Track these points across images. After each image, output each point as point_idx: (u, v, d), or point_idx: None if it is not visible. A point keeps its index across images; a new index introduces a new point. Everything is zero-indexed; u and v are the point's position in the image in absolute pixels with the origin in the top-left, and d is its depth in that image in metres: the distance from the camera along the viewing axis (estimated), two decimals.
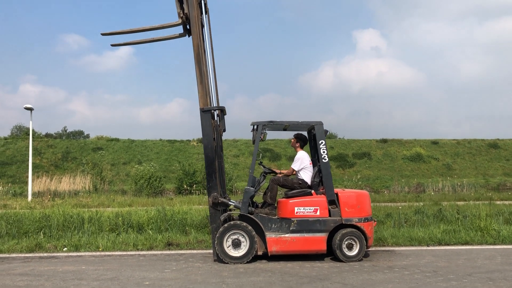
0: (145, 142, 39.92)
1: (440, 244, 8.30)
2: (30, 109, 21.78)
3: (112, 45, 7.79)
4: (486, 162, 39.88)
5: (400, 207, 12.88)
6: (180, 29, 7.68)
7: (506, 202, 14.63)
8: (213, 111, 7.35)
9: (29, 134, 43.11)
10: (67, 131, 56.98)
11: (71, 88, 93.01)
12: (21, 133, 47.95)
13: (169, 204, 15.12)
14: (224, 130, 7.59)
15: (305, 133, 7.96)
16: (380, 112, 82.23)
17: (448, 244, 8.27)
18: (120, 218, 10.47)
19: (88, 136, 54.74)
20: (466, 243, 8.30)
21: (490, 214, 10.71)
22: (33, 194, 20.86)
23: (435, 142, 42.88)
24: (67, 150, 36.96)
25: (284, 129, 7.94)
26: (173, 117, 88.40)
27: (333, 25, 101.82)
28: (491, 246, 8.07)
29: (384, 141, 43.10)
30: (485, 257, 7.05)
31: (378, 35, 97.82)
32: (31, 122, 22.37)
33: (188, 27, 7.48)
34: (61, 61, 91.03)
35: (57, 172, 31.01)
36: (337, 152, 39.78)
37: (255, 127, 7.39)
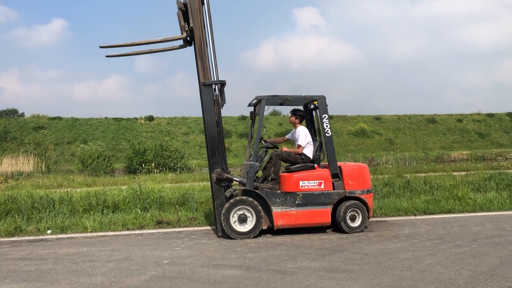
0: (89, 120, 38.36)
1: (425, 213, 8.69)
2: None
3: (107, 56, 7.37)
4: (425, 136, 42.06)
5: None
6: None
7: (462, 173, 15.52)
8: (213, 85, 7.17)
9: None
10: None
11: None
12: None
13: (134, 183, 14.70)
14: (223, 106, 7.43)
15: (301, 108, 7.98)
16: (320, 88, 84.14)
17: (432, 213, 8.66)
18: (93, 198, 10.08)
19: (23, 114, 51.56)
20: (449, 212, 8.73)
21: (455, 184, 11.34)
22: None
23: (377, 118, 44.54)
24: (5, 129, 34.78)
25: (281, 104, 7.92)
26: (111, 94, 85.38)
27: (274, 2, 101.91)
28: (473, 214, 8.54)
29: (330, 117, 44.15)
30: (475, 224, 7.47)
31: (317, 13, 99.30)
32: None
33: (188, 38, 7.19)
34: None
35: None
36: (286, 128, 40.24)
37: (256, 101, 7.33)
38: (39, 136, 33.01)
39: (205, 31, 7.17)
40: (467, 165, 21.37)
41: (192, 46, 7.19)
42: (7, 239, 7.51)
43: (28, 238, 7.55)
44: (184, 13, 7.07)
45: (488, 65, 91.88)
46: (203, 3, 7.19)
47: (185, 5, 7.05)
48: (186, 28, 7.02)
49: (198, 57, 7.05)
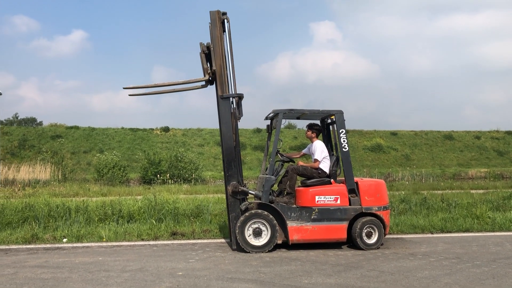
0: (106, 130, 38.77)
1: (442, 231, 8.55)
2: None
3: (130, 95, 7.69)
4: (442, 153, 41.59)
5: None
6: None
7: (480, 191, 15.30)
8: (231, 98, 7.20)
9: None
10: (19, 118, 54.58)
11: (20, 73, 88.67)
12: None
13: (149, 193, 14.77)
14: (239, 118, 7.44)
15: (317, 122, 7.96)
16: (335, 102, 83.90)
17: (450, 232, 8.52)
18: (109, 208, 10.13)
19: (41, 123, 52.57)
20: (467, 230, 8.58)
21: (473, 202, 11.14)
22: None
23: (394, 133, 44.21)
24: (23, 137, 35.33)
25: (298, 118, 7.92)
26: (128, 104, 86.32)
27: (291, 16, 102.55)
28: (492, 233, 8.39)
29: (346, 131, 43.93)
30: (494, 244, 7.32)
31: (334, 27, 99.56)
32: None
33: (210, 79, 7.32)
34: (9, 44, 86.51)
35: (14, 161, 29.62)
36: (301, 142, 40.20)
37: (273, 115, 7.35)
38: (56, 144, 33.50)
39: (226, 65, 7.27)
40: (485, 183, 21.10)
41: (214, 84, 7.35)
42: (24, 246, 7.60)
43: (44, 246, 7.62)
44: (207, 55, 7.19)
45: (507, 82, 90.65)
46: (224, 31, 7.29)
47: (208, 48, 7.16)
48: (209, 71, 7.15)
49: (218, 84, 7.14)
